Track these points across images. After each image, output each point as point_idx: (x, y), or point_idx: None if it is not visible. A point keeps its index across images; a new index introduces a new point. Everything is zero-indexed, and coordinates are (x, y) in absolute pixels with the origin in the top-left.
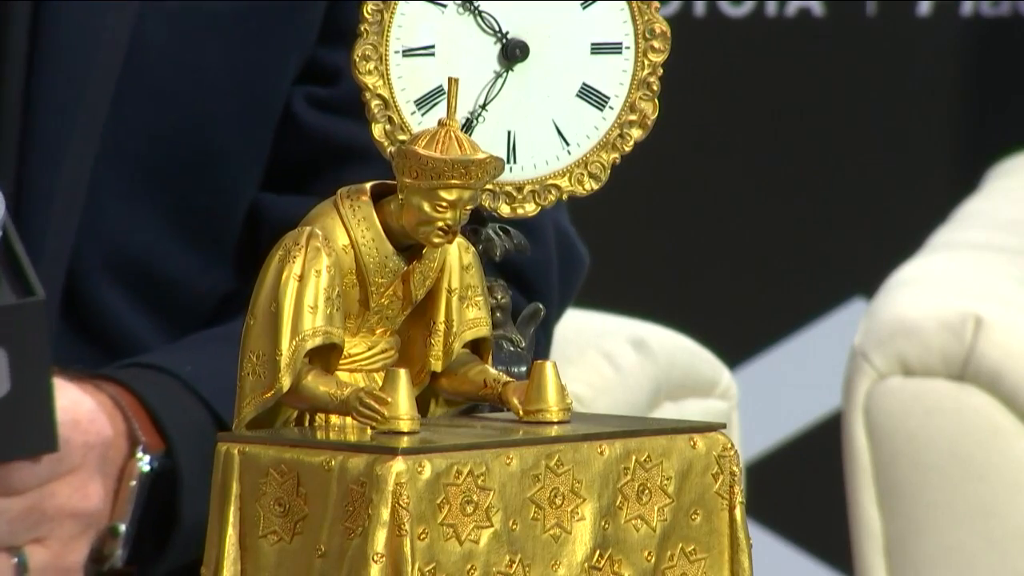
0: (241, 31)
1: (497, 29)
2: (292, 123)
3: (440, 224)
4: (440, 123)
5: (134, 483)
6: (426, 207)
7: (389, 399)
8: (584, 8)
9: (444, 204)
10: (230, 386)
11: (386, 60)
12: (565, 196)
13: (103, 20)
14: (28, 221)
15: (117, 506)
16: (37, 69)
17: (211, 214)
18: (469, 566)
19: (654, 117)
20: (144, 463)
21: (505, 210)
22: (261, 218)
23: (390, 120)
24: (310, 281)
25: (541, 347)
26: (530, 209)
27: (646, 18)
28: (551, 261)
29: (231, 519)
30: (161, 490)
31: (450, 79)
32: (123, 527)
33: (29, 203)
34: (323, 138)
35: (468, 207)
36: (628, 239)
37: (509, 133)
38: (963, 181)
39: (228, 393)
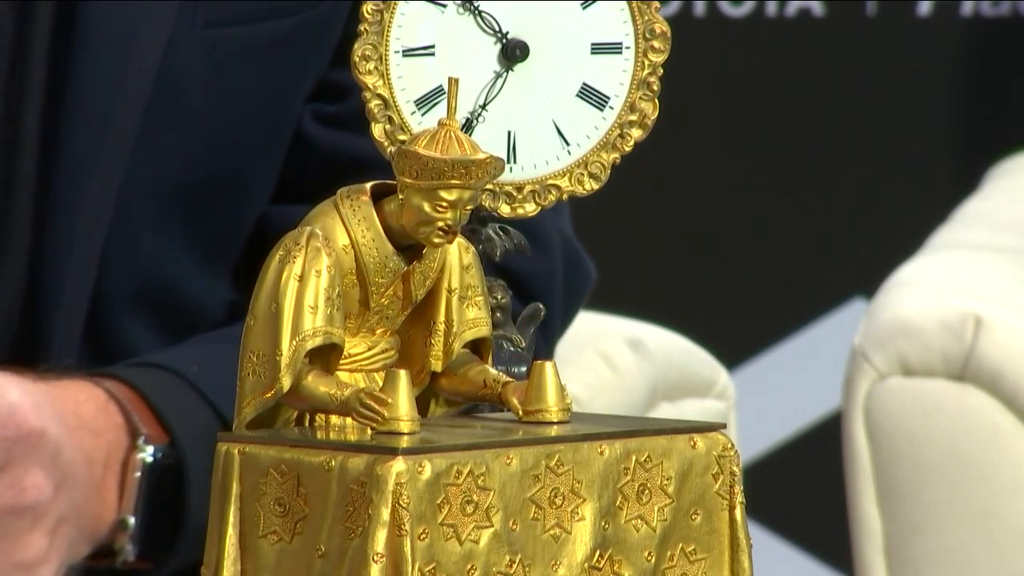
0: (273, 57)
1: (497, 29)
2: (298, 138)
3: (440, 224)
4: (440, 123)
5: (138, 475)
6: (426, 207)
7: (389, 400)
8: (584, 8)
9: (444, 204)
10: (235, 387)
11: (386, 60)
12: (565, 196)
13: (133, 48)
14: (51, 248)
15: (123, 500)
16: (64, 96)
17: (228, 235)
18: (469, 566)
19: (654, 117)
20: (147, 454)
21: (505, 210)
22: (268, 228)
23: (390, 120)
24: (310, 281)
25: (541, 355)
26: (530, 209)
27: (646, 18)
28: (555, 272)
29: (231, 519)
30: (171, 486)
31: (450, 79)
32: (131, 520)
33: (53, 229)
34: (330, 153)
35: (468, 207)
36: (627, 239)
37: (509, 133)
38: (963, 181)
39: (234, 394)
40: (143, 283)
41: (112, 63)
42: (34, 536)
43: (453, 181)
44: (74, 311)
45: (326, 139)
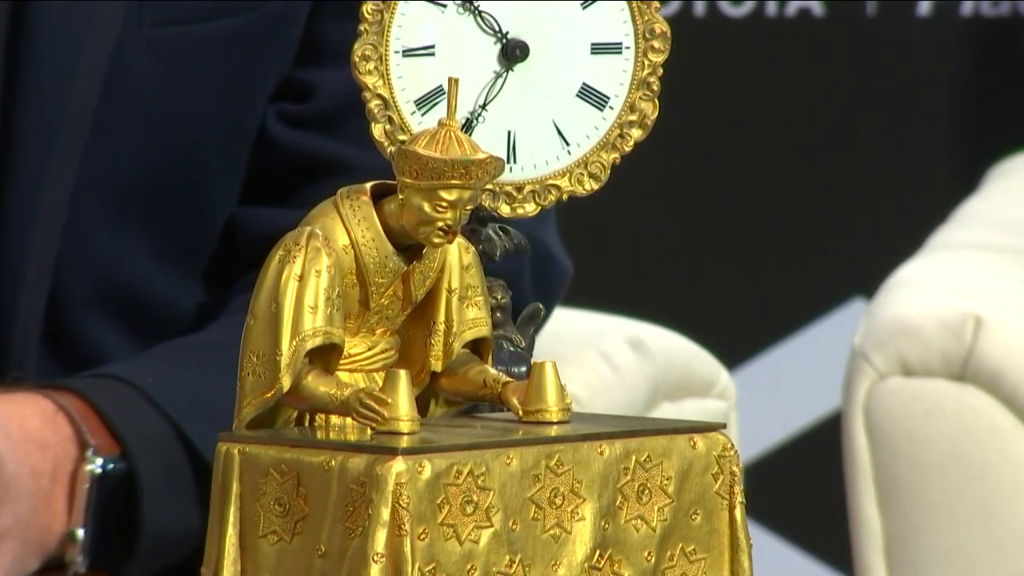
0: (226, 56)
1: (497, 29)
2: (263, 139)
3: (440, 224)
4: (440, 123)
5: (87, 486)
6: (426, 207)
7: (389, 400)
8: (584, 8)
9: (444, 204)
10: (194, 398)
11: (386, 60)
12: (565, 196)
13: (82, 49)
14: (7, 250)
15: (73, 512)
16: (15, 98)
17: (193, 236)
18: (469, 566)
19: (654, 117)
20: (95, 466)
21: (505, 210)
22: (236, 230)
23: (390, 120)
24: (310, 281)
25: None
26: (530, 209)
27: (646, 18)
28: (523, 273)
29: (231, 519)
30: (124, 497)
31: (450, 79)
32: (80, 532)
33: (8, 232)
34: (295, 153)
35: (468, 207)
36: (627, 239)
37: (509, 133)
38: (963, 181)
39: (191, 405)
40: (101, 284)
41: (61, 65)
42: None
43: (453, 181)
44: (31, 314)
45: (291, 139)
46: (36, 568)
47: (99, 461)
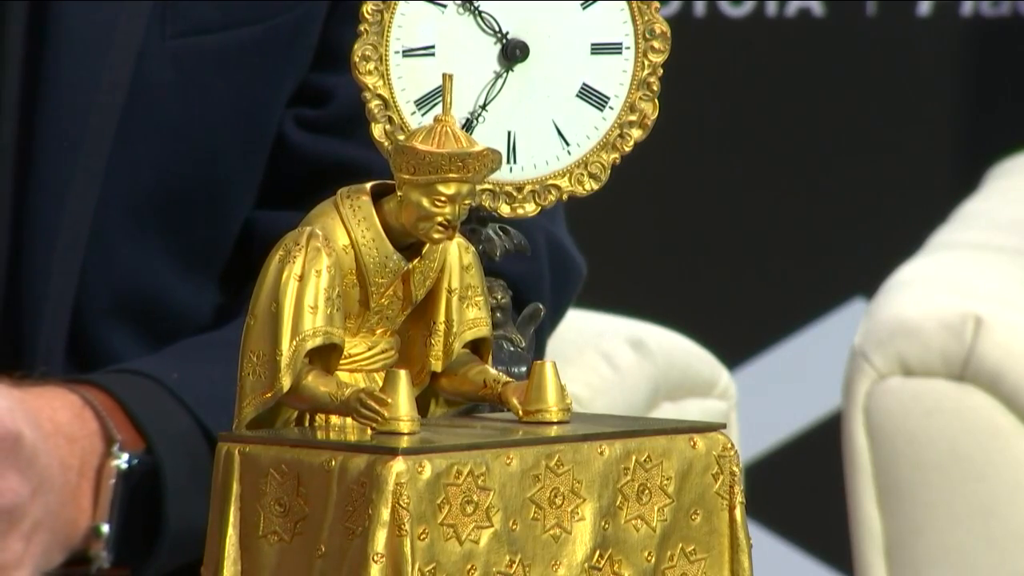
0: (244, 65)
1: (497, 29)
2: (281, 144)
3: (439, 219)
4: (436, 119)
5: (112, 481)
6: (425, 202)
7: (389, 400)
8: (584, 8)
9: (443, 199)
10: (218, 394)
11: (386, 60)
12: (565, 196)
13: (104, 60)
14: (32, 262)
15: (98, 506)
16: (38, 111)
17: (211, 243)
18: (469, 566)
19: (654, 117)
20: (121, 461)
21: (505, 210)
22: (254, 233)
23: (390, 120)
24: (310, 281)
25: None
26: (530, 209)
27: (646, 18)
28: (543, 273)
29: (231, 519)
30: (148, 493)
31: (445, 75)
32: (105, 527)
33: (31, 245)
34: (313, 158)
35: (467, 202)
36: (628, 239)
37: (509, 133)
38: (963, 181)
39: (215, 401)
40: (123, 294)
41: (84, 78)
42: (10, 540)
43: (451, 175)
44: (56, 325)
45: (309, 144)
46: (61, 561)
47: (124, 456)
